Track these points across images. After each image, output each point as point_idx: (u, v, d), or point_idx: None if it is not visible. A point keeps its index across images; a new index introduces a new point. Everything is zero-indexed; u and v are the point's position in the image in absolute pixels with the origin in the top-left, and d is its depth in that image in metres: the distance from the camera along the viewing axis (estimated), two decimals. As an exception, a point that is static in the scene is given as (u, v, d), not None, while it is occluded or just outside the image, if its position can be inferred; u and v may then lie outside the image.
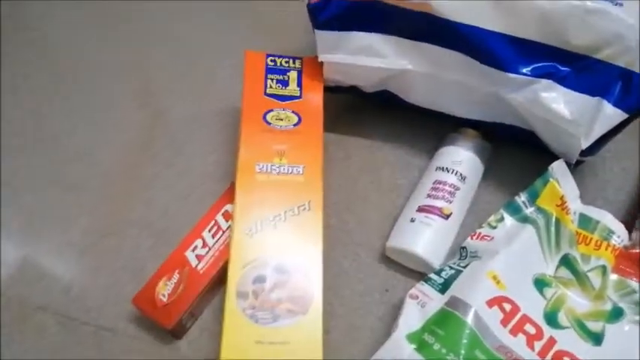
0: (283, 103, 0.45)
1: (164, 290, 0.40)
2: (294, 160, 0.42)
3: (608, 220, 0.41)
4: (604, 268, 0.40)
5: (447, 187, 0.44)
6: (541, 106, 0.41)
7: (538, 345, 0.37)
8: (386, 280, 0.44)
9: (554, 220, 0.41)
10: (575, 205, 0.42)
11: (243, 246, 0.39)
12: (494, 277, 0.38)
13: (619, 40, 0.39)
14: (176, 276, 0.41)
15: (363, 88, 0.49)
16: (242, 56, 0.47)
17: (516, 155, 0.49)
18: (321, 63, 0.46)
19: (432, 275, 0.41)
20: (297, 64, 0.47)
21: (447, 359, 0.35)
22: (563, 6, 0.39)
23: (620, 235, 0.41)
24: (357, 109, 0.54)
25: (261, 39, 0.61)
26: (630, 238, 0.42)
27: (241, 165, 0.42)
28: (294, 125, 0.44)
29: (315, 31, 0.44)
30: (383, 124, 0.53)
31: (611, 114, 0.40)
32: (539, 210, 0.42)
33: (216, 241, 0.42)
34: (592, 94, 0.40)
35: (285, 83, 0.46)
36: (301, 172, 0.42)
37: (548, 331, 0.37)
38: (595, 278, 0.40)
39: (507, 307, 0.37)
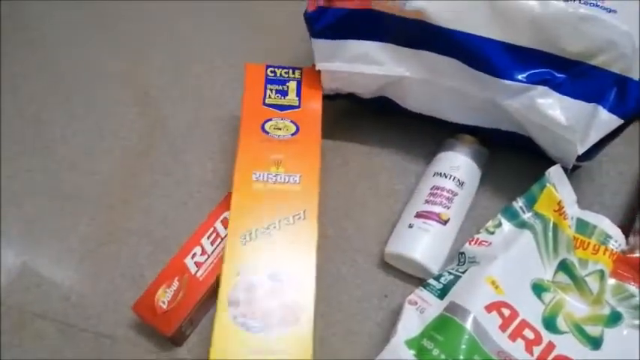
0: (282, 112, 0.45)
1: (164, 297, 0.40)
2: (291, 169, 0.42)
3: (606, 224, 0.42)
4: (602, 273, 0.40)
5: (444, 193, 0.45)
6: (537, 113, 0.41)
7: (537, 350, 0.37)
8: (384, 285, 0.45)
9: (551, 225, 0.41)
10: (573, 210, 0.43)
11: (237, 253, 0.39)
12: (493, 283, 0.38)
13: (613, 47, 0.39)
14: (176, 283, 0.41)
15: (361, 94, 0.49)
16: (242, 60, 0.47)
17: (513, 161, 0.50)
18: (319, 72, 0.46)
19: (431, 281, 0.41)
20: (297, 74, 0.48)
21: (446, 364, 0.35)
22: (556, 13, 0.39)
23: (618, 239, 0.41)
24: (355, 116, 0.54)
25: (260, 42, 0.61)
26: (628, 243, 0.42)
27: (238, 173, 0.42)
28: (292, 135, 0.44)
29: (312, 39, 0.45)
30: (380, 130, 0.53)
31: (606, 120, 0.40)
32: (537, 215, 0.42)
33: (215, 248, 0.42)
34: (587, 100, 0.40)
35: (284, 93, 0.46)
36: (298, 182, 0.42)
37: (547, 336, 0.37)
38: (593, 283, 0.40)
39: (506, 312, 0.38)
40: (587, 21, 0.39)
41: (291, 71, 0.48)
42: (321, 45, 0.44)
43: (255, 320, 0.37)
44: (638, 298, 0.39)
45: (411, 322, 0.38)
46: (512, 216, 0.43)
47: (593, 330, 0.38)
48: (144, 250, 0.47)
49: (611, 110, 0.40)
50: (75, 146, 0.54)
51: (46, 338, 0.43)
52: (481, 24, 0.41)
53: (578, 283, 0.40)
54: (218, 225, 0.43)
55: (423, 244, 0.43)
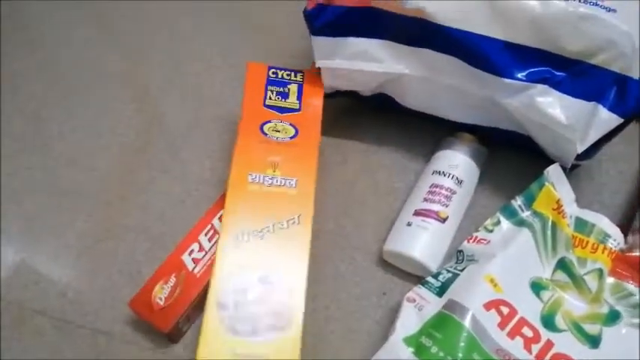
0: (282, 115, 0.45)
1: (161, 294, 0.40)
2: (288, 172, 0.42)
3: (605, 223, 0.42)
4: (600, 272, 0.40)
5: (443, 191, 0.44)
6: (537, 111, 0.41)
7: (535, 348, 0.37)
8: (383, 283, 0.44)
9: (550, 223, 0.41)
10: (571, 209, 0.43)
11: (229, 255, 0.39)
12: (492, 281, 0.38)
13: (612, 46, 0.39)
14: (173, 279, 0.41)
15: (361, 92, 0.49)
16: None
17: (512, 159, 0.50)
18: (319, 69, 0.46)
19: (430, 278, 0.41)
20: (299, 77, 0.47)
21: (445, 362, 0.35)
22: (556, 12, 0.39)
23: (617, 238, 0.41)
24: (354, 113, 0.54)
25: (260, 41, 0.61)
26: (626, 242, 0.42)
27: (234, 174, 0.41)
28: (291, 138, 0.44)
29: (312, 37, 0.45)
30: (379, 128, 0.53)
31: (606, 119, 0.40)
32: (536, 214, 0.42)
33: (213, 245, 0.42)
34: (587, 98, 0.40)
35: (285, 95, 0.46)
36: (294, 186, 0.41)
37: (545, 334, 0.37)
38: (591, 281, 0.40)
39: (505, 310, 0.37)
40: (587, 20, 0.39)
41: (293, 74, 0.47)
42: (320, 42, 0.44)
43: (243, 324, 0.36)
44: (636, 297, 0.39)
45: (410, 320, 0.38)
46: (511, 214, 0.43)
47: (591, 328, 0.38)
48: (141, 247, 0.47)
49: (611, 109, 0.40)
50: (73, 143, 0.54)
51: (44, 335, 0.43)
52: (481, 22, 0.41)
53: (577, 281, 0.40)
54: (216, 222, 0.43)
55: (422, 242, 0.43)
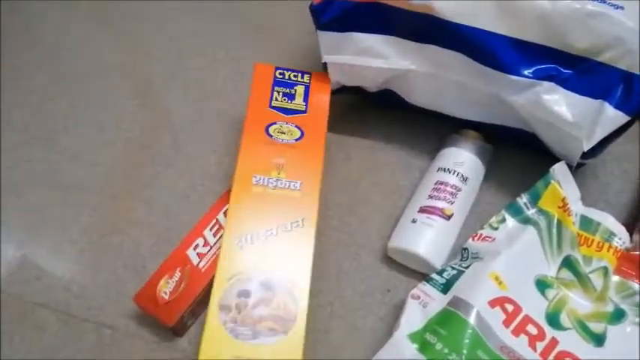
0: (287, 116, 0.44)
1: (166, 288, 0.40)
2: (293, 175, 0.41)
3: (610, 222, 0.42)
4: (605, 270, 0.40)
5: (448, 188, 0.44)
6: (543, 109, 0.41)
7: (540, 346, 0.37)
8: (387, 280, 0.44)
9: (555, 221, 0.41)
10: (577, 207, 0.42)
11: (232, 257, 0.38)
12: (496, 278, 0.38)
13: (620, 44, 0.39)
14: (177, 274, 0.41)
15: (366, 88, 0.49)
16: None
17: (517, 157, 0.50)
18: (325, 64, 0.46)
19: (434, 275, 0.41)
20: (306, 78, 0.47)
21: (449, 359, 0.35)
22: (564, 9, 0.39)
23: (622, 237, 0.41)
24: (359, 110, 0.54)
25: (264, 38, 0.61)
26: (632, 240, 0.42)
27: (238, 175, 0.41)
28: (296, 140, 0.43)
29: (318, 32, 0.44)
30: (385, 125, 0.53)
31: (612, 116, 0.40)
32: (541, 211, 0.42)
33: (218, 240, 0.42)
34: (594, 96, 0.40)
35: (291, 97, 0.46)
36: (298, 188, 0.41)
37: (550, 332, 0.37)
38: (597, 280, 0.40)
39: (509, 307, 0.37)
40: (595, 17, 0.39)
41: (300, 75, 0.47)
42: (326, 38, 0.44)
43: (245, 327, 0.36)
44: (641, 296, 0.39)
45: (414, 316, 0.38)
46: (516, 212, 0.43)
47: (596, 327, 0.38)
48: (146, 242, 0.47)
49: (618, 107, 0.40)
50: (76, 137, 0.54)
51: (48, 328, 0.43)
52: (488, 19, 0.40)
53: (582, 279, 0.40)
54: (221, 217, 0.43)
55: (427, 239, 0.43)
